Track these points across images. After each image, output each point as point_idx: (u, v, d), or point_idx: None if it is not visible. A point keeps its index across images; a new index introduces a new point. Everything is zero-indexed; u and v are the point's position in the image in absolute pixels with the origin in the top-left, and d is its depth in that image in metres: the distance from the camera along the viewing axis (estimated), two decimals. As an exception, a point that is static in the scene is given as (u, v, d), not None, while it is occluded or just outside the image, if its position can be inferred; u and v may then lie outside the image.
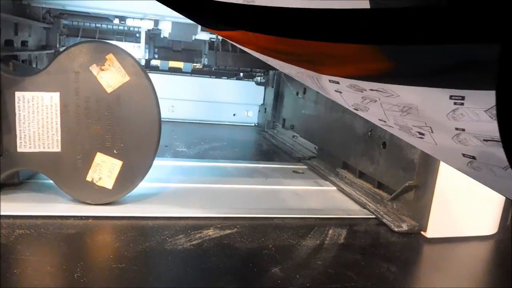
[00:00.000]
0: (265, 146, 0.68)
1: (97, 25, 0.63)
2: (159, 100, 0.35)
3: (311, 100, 0.57)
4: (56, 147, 0.34)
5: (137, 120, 0.34)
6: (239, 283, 0.25)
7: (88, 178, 0.34)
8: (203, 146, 0.65)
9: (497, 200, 0.34)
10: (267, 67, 0.72)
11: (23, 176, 0.38)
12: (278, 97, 0.74)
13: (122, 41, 0.64)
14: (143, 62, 0.69)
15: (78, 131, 0.34)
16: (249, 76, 0.80)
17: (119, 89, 0.34)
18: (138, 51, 0.64)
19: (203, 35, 0.62)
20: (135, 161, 0.35)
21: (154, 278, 0.25)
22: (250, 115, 0.83)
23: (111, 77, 0.34)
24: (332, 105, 0.50)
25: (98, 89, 0.34)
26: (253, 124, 0.83)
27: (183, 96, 0.77)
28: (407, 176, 0.35)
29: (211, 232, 0.32)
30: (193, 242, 0.30)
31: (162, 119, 0.35)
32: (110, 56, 0.34)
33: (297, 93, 0.63)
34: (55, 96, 0.33)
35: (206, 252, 0.29)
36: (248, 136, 0.77)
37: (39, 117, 0.33)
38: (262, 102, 0.81)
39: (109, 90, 0.34)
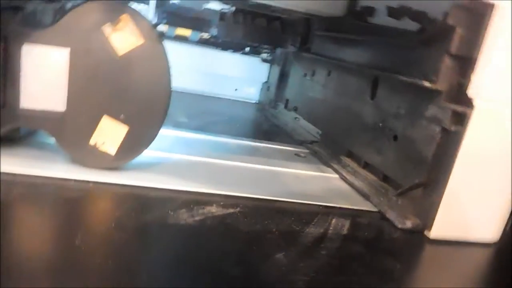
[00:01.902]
0: (266, 126, 0.67)
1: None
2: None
3: (319, 83, 0.56)
4: (61, 107, 0.32)
5: (147, 86, 0.33)
6: (243, 267, 0.25)
7: (92, 142, 0.33)
8: (204, 119, 0.64)
9: (506, 207, 0.33)
10: (276, 44, 0.71)
11: (23, 132, 0.36)
12: (283, 76, 0.72)
13: (131, 1, 0.61)
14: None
15: (85, 91, 0.32)
16: (255, 52, 0.78)
17: (131, 52, 0.32)
18: (146, 14, 0.62)
19: (215, 5, 0.60)
20: (141, 128, 0.34)
21: (157, 253, 0.24)
22: (252, 92, 0.82)
23: (124, 38, 0.32)
24: (342, 90, 0.49)
25: (109, 50, 0.32)
26: (254, 101, 0.82)
27: (186, 66, 0.75)
28: (417, 172, 0.34)
29: (213, 210, 0.31)
30: (196, 218, 0.29)
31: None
32: (125, 16, 0.32)
33: (305, 74, 0.61)
34: (65, 53, 0.32)
35: (209, 231, 0.28)
36: (249, 113, 0.76)
37: (45, 73, 0.32)
38: (266, 80, 0.80)
39: (120, 52, 0.32)
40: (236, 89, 0.81)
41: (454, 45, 0.32)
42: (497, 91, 0.31)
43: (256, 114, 0.76)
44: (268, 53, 0.77)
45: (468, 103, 0.31)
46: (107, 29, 0.32)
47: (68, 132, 0.33)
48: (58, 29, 0.32)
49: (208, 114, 0.69)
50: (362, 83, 0.44)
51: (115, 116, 0.33)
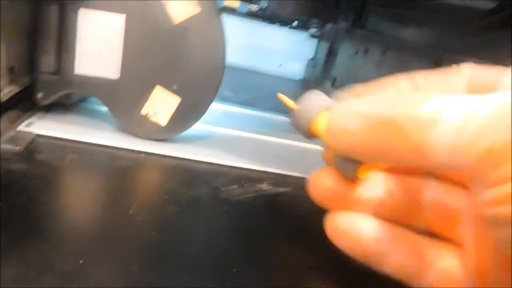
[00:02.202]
0: (312, 103, 0.65)
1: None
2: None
3: (373, 62, 0.53)
4: (115, 74, 0.32)
5: (201, 57, 0.32)
6: (299, 248, 0.24)
7: (143, 112, 0.32)
8: (248, 94, 0.62)
9: None
10: (327, 18, 0.68)
11: (74, 98, 0.36)
12: (331, 53, 0.70)
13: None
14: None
15: (139, 60, 0.32)
16: (303, 27, 0.76)
17: (188, 20, 0.31)
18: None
19: (267, -24, 0.58)
20: (193, 100, 0.33)
21: (211, 227, 0.24)
22: (297, 68, 0.79)
23: (181, 6, 0.31)
24: (399, 71, 0.46)
25: (165, 18, 0.31)
26: (298, 79, 0.80)
27: (231, 38, 0.74)
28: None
29: (265, 187, 0.30)
30: (248, 195, 0.28)
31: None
32: (183, -17, 0.31)
33: (357, 52, 0.59)
34: (121, 19, 0.31)
35: (262, 208, 0.27)
36: (293, 91, 0.75)
37: (101, 39, 0.31)
38: (312, 56, 0.77)
39: (177, 20, 0.31)
40: (280, 65, 0.79)
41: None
42: None
43: (301, 91, 0.74)
44: (317, 28, 0.74)
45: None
46: (164, -5, 0.31)
47: (120, 100, 0.32)
48: (114, -6, 0.31)
49: (252, 89, 0.67)
50: (422, 64, 0.42)
51: (167, 86, 0.32)
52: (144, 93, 0.32)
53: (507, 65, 0.31)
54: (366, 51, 0.56)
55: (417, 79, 0.20)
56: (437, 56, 0.39)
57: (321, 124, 0.21)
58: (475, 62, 0.33)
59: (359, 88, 0.21)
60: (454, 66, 0.19)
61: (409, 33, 0.46)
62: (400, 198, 0.21)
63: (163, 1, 0.31)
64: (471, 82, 0.19)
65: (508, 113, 0.13)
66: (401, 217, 0.21)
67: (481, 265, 0.18)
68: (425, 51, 0.41)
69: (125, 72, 0.32)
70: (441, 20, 0.41)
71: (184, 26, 0.31)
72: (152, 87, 0.32)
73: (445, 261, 0.19)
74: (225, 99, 0.54)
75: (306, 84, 0.76)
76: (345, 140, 0.18)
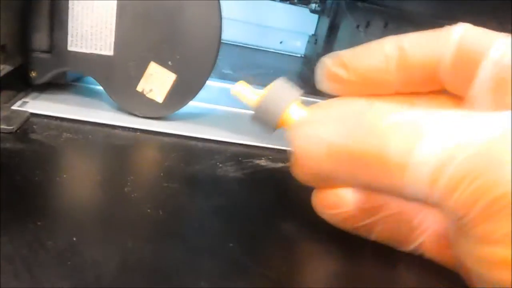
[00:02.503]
0: (313, 81, 0.65)
1: None
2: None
3: (374, 36, 0.52)
4: (109, 50, 0.31)
5: (197, 33, 0.31)
6: (293, 221, 0.24)
7: (139, 89, 0.32)
8: (249, 71, 0.62)
9: None
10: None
11: (70, 77, 0.36)
12: (333, 29, 0.69)
13: None
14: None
15: (133, 35, 0.31)
16: (304, 2, 0.74)
17: (182, -5, 0.31)
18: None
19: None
20: (189, 77, 0.32)
21: (208, 204, 0.24)
22: (298, 45, 0.78)
23: (174, -20, 0.30)
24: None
25: (158, -8, 0.30)
26: (300, 55, 0.79)
27: (230, 15, 0.73)
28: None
29: (263, 163, 0.30)
30: (245, 171, 0.28)
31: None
32: (176, -45, 0.30)
33: (358, 26, 0.58)
34: (113, -6, 0.30)
35: (259, 184, 0.27)
36: (294, 68, 0.74)
37: (93, 15, 0.31)
38: (313, 32, 0.76)
39: (170, -6, 0.31)
40: (281, 42, 0.78)
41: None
42: None
43: (303, 68, 0.73)
44: (317, 3, 0.73)
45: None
46: (156, -31, 0.30)
47: (115, 77, 0.32)
48: (105, -31, 0.30)
49: (253, 66, 0.67)
50: (423, 36, 0.41)
51: (162, 63, 0.32)
52: (139, 69, 0.32)
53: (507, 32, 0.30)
54: (367, 25, 0.55)
55: (403, 42, 0.19)
56: (440, 27, 0.38)
57: (290, 117, 0.20)
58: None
59: (344, 53, 0.20)
60: (448, 27, 0.19)
61: (411, 5, 0.44)
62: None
63: (156, -25, 0.30)
64: (462, 44, 0.18)
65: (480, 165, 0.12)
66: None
67: None
68: (428, 22, 0.40)
69: (119, 48, 0.31)
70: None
71: (178, 2, 0.31)
72: (147, 64, 0.31)
73: (432, 226, 0.19)
74: (224, 77, 0.53)
75: (307, 61, 0.75)
76: (310, 166, 0.18)
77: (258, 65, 0.69)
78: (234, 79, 0.52)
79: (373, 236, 0.20)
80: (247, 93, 0.22)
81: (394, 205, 0.20)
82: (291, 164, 0.19)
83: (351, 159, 0.16)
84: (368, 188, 0.17)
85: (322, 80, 0.21)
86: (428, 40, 0.19)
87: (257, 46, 0.77)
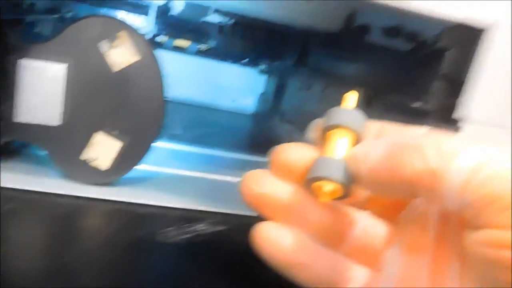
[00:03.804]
0: (262, 138, 0.68)
1: (106, -7, 0.61)
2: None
3: (315, 97, 0.56)
4: (56, 121, 0.33)
5: (142, 102, 0.33)
6: (230, 285, 0.25)
7: (84, 157, 0.33)
8: (199, 131, 0.64)
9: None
10: (274, 57, 0.71)
11: (17, 144, 0.36)
12: (280, 89, 0.73)
13: (130, 12, 0.62)
14: (150, 37, 0.67)
15: (80, 107, 0.33)
16: (253, 64, 0.78)
17: (127, 68, 0.33)
18: (146, 25, 0.62)
19: (214, 18, 0.61)
20: (134, 144, 0.34)
21: (142, 272, 0.25)
22: (250, 103, 0.82)
23: (120, 55, 0.33)
24: (337, 105, 0.49)
25: (105, 66, 0.32)
26: (251, 113, 0.82)
27: (184, 76, 0.76)
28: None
29: (203, 227, 0.31)
30: (184, 236, 0.29)
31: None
32: (122, 33, 0.33)
33: (301, 88, 0.62)
34: (61, 68, 0.32)
35: (196, 249, 0.28)
36: (244, 125, 0.77)
37: (42, 87, 0.32)
38: (263, 91, 0.80)
39: (116, 68, 0.33)
40: (233, 100, 0.81)
41: (445, 66, 0.32)
42: (482, 113, 0.31)
43: (252, 125, 0.76)
44: (266, 64, 0.77)
45: (455, 124, 0.32)
46: (104, 45, 0.32)
47: (61, 146, 0.33)
48: (55, 44, 0.32)
49: (205, 125, 0.69)
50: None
51: (108, 131, 0.33)
52: (85, 139, 0.33)
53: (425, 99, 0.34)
54: (309, 87, 0.59)
55: (384, 125, 0.22)
56: (369, 93, 0.42)
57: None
58: (400, 98, 0.36)
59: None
60: (416, 127, 0.21)
61: (345, 71, 0.49)
62: (330, 224, 0.22)
63: (103, 51, 0.32)
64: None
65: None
66: (327, 239, 0.22)
67: None
68: (358, 88, 0.44)
69: (66, 119, 0.33)
70: (372, 59, 0.44)
71: (123, 74, 0.33)
72: (93, 133, 0.33)
73: (361, 281, 0.21)
74: (174, 138, 0.55)
75: (258, 118, 0.78)
76: (367, 164, 0.19)
77: (210, 124, 0.71)
78: (184, 140, 0.54)
79: (301, 281, 0.21)
80: None
81: (331, 254, 0.22)
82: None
83: (409, 149, 0.17)
84: (409, 187, 0.18)
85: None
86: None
87: (210, 105, 0.80)
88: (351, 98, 0.22)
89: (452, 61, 0.32)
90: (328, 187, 0.19)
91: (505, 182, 0.15)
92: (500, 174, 0.16)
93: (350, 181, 0.19)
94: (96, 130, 0.33)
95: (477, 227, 0.16)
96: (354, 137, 0.21)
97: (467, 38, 0.31)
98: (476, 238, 0.16)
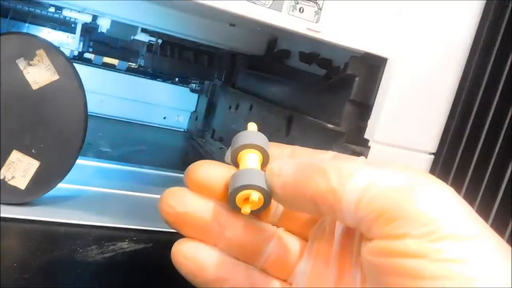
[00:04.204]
0: (192, 155, 0.68)
1: (30, 9, 0.59)
2: (88, 94, 0.34)
3: (242, 116, 0.58)
4: (-32, 140, 0.32)
5: (61, 121, 0.33)
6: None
7: (0, 176, 0.32)
8: (129, 148, 0.63)
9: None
10: (202, 77, 0.73)
11: None
12: (210, 107, 0.74)
13: (55, 29, 0.60)
14: (76, 54, 0.66)
15: (-5, 125, 0.32)
16: (184, 82, 0.79)
17: (46, 87, 0.33)
18: (72, 42, 0.61)
19: (142, 37, 0.61)
20: (54, 163, 0.33)
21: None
22: (181, 121, 0.82)
23: (39, 73, 0.32)
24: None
25: (23, 84, 0.32)
26: (183, 130, 0.83)
27: (115, 92, 0.75)
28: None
29: (125, 245, 0.31)
30: (106, 255, 0.29)
31: (89, 114, 0.34)
32: (41, 52, 0.32)
33: (230, 107, 0.64)
34: (-26, 86, 0.31)
35: (117, 267, 0.28)
36: (176, 142, 0.77)
37: (-48, 105, 0.31)
38: (194, 109, 0.81)
39: (35, 86, 0.32)
40: (165, 117, 0.81)
41: (354, 92, 0.35)
42: (387, 135, 0.35)
43: (184, 143, 0.76)
44: (196, 84, 0.78)
45: (365, 144, 0.35)
46: (21, 63, 0.32)
47: (-26, 166, 0.32)
48: (-32, 61, 0.31)
49: (135, 142, 0.68)
50: (279, 120, 0.47)
51: (26, 150, 0.33)
52: (1, 157, 0.32)
53: (337, 121, 0.37)
54: (237, 107, 0.61)
55: (296, 148, 0.25)
56: (289, 113, 0.45)
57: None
58: (316, 119, 0.38)
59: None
60: (324, 151, 0.24)
61: (269, 93, 0.51)
62: (246, 240, 0.23)
63: (21, 68, 0.32)
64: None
65: (397, 188, 0.18)
66: (244, 255, 0.24)
67: None
68: (280, 108, 0.47)
69: (-21, 138, 0.32)
70: (292, 82, 0.47)
71: (42, 92, 0.32)
72: (9, 152, 0.32)
73: None
74: (102, 155, 0.54)
75: (189, 135, 0.79)
76: (280, 180, 0.21)
77: (142, 141, 0.71)
78: (113, 158, 0.53)
79: None
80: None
81: (248, 270, 0.23)
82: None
83: (314, 169, 0.20)
84: (315, 201, 0.20)
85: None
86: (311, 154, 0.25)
87: (142, 122, 0.80)
88: (252, 125, 0.24)
89: (360, 87, 0.35)
90: (253, 195, 0.21)
91: (388, 199, 0.18)
92: (384, 192, 0.18)
93: (269, 190, 0.21)
94: (12, 149, 0.32)
95: (369, 239, 0.18)
96: (261, 154, 0.23)
97: (371, 66, 0.34)
98: (367, 248, 0.18)
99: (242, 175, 0.22)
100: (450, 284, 0.16)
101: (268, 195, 0.21)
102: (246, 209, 0.21)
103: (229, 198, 0.21)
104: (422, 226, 0.17)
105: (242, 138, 0.23)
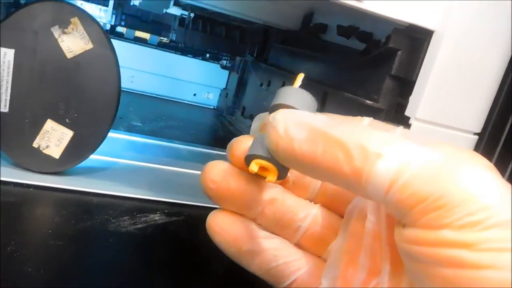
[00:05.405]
0: (222, 132, 0.68)
1: (63, -21, 0.59)
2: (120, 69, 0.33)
3: (274, 93, 0.57)
4: (4, 107, 0.32)
5: (95, 91, 0.33)
6: (177, 277, 0.25)
7: (35, 145, 0.32)
8: (159, 123, 0.63)
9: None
10: (234, 53, 0.72)
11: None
12: (241, 84, 0.73)
13: (88, 1, 0.60)
14: (108, 28, 0.66)
15: (30, 93, 0.32)
16: (215, 58, 0.78)
17: (80, 56, 0.32)
18: (104, 15, 0.61)
19: (175, 10, 0.60)
20: (87, 133, 0.33)
21: (93, 261, 0.24)
22: (211, 98, 0.82)
23: (73, 42, 0.32)
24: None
25: (57, 53, 0.32)
26: (212, 107, 0.82)
27: (145, 68, 0.75)
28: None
29: (157, 217, 0.31)
30: (138, 226, 0.29)
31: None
32: (75, 19, 0.32)
33: (261, 84, 0.62)
34: (9, 53, 0.31)
35: (149, 239, 0.28)
36: (206, 119, 0.77)
37: (-12, 73, 0.31)
38: (224, 86, 0.80)
39: (69, 55, 0.32)
40: (195, 94, 0.81)
41: (395, 67, 0.33)
42: (429, 113, 0.33)
43: (213, 120, 0.76)
44: (227, 60, 0.77)
45: (405, 122, 0.33)
46: (56, 31, 0.32)
47: (10, 133, 0.32)
48: (4, 29, 0.31)
49: (165, 118, 0.68)
50: (313, 96, 0.46)
51: (60, 120, 0.32)
52: (35, 126, 0.32)
53: (376, 98, 0.35)
54: (269, 84, 0.59)
55: (330, 116, 0.21)
56: (324, 89, 0.43)
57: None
58: (353, 95, 0.37)
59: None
60: (359, 117, 0.21)
61: (303, 69, 0.49)
62: (285, 216, 0.23)
63: (55, 37, 0.31)
64: None
65: (435, 169, 0.15)
66: (281, 230, 0.23)
67: None
68: (315, 84, 0.45)
69: (15, 106, 0.32)
70: (328, 58, 0.45)
71: (76, 61, 0.32)
72: (44, 121, 0.32)
73: (307, 271, 0.22)
74: (132, 129, 0.54)
75: (219, 113, 0.78)
76: (285, 143, 0.18)
77: (171, 117, 0.71)
78: (143, 132, 0.53)
79: (252, 268, 0.22)
80: None
81: (280, 242, 0.22)
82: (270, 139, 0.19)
83: (334, 145, 0.17)
84: (332, 179, 0.18)
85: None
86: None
87: (172, 98, 0.80)
88: (300, 77, 0.22)
89: (402, 61, 0.33)
90: (252, 166, 0.19)
91: (427, 183, 0.15)
92: (421, 175, 0.16)
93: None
94: (47, 118, 0.32)
95: (403, 225, 0.17)
96: None
97: (415, 40, 0.32)
98: (402, 235, 0.17)
99: (254, 141, 0.20)
100: (496, 274, 0.14)
101: (275, 162, 0.19)
102: (253, 167, 0.19)
103: (248, 166, 0.20)
104: (468, 215, 0.15)
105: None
